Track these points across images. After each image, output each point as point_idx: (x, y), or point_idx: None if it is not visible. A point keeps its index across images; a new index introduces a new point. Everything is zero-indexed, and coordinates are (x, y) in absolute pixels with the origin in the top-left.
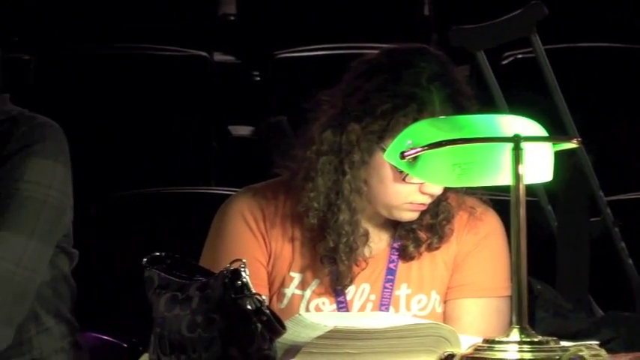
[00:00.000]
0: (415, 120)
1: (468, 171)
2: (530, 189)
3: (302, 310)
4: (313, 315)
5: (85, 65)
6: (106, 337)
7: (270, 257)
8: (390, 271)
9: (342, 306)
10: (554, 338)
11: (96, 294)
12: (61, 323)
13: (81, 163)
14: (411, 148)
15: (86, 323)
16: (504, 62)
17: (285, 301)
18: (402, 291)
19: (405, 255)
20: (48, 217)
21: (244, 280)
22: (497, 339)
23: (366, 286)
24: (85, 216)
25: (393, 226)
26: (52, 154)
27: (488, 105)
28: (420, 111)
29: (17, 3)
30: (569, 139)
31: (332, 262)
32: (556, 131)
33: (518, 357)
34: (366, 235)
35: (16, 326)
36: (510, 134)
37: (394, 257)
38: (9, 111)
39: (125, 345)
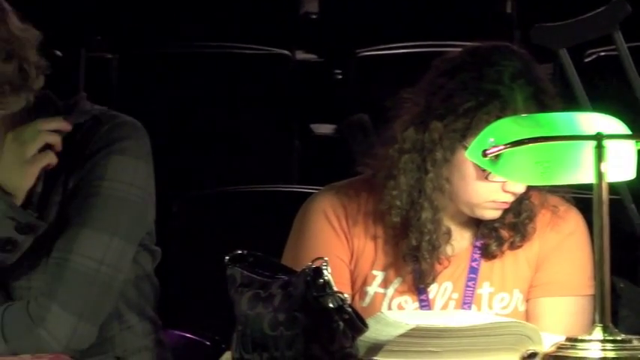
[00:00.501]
0: (498, 118)
1: (550, 169)
2: (613, 187)
3: (384, 309)
4: (395, 313)
5: (167, 64)
6: (189, 336)
7: (352, 255)
8: (473, 270)
9: (425, 304)
10: (638, 337)
11: (179, 292)
12: (144, 321)
13: (163, 162)
14: (494, 146)
15: (169, 321)
16: (587, 60)
17: (368, 300)
18: (484, 289)
19: (487, 253)
20: (130, 215)
21: (326, 278)
22: (580, 337)
23: (448, 285)
24: (167, 214)
25: (476, 224)
26: (134, 152)
27: (570, 103)
28: (503, 109)
29: (99, 3)
30: None
31: (414, 261)
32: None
33: (602, 355)
34: (449, 233)
35: (100, 324)
36: (593, 132)
37: (476, 256)
38: (90, 110)
39: (208, 343)
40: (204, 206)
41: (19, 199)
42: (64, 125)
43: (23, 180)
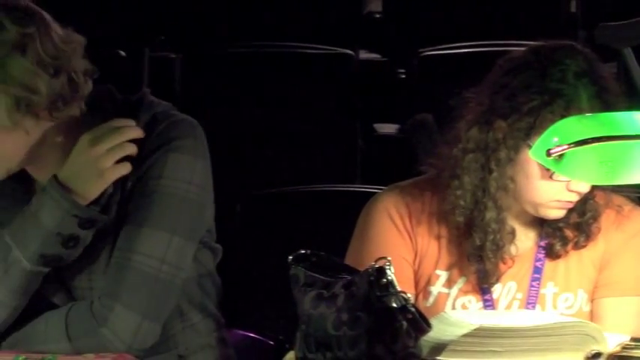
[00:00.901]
0: (562, 117)
1: (615, 169)
2: None
3: (448, 308)
4: (458, 313)
5: (231, 63)
6: (252, 335)
7: (416, 255)
8: (537, 270)
9: (489, 304)
10: None
11: (243, 292)
12: (206, 319)
13: (226, 161)
14: (558, 146)
15: (233, 321)
16: None
17: (431, 299)
18: (548, 289)
19: (551, 253)
20: (189, 213)
21: (389, 278)
22: None
23: (512, 285)
24: (231, 214)
25: (540, 224)
26: (191, 150)
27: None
28: (567, 108)
29: (163, 3)
30: None
31: (478, 260)
32: None
33: None
34: (513, 233)
35: (163, 323)
36: None
37: (540, 255)
38: (153, 108)
39: (272, 342)
40: (268, 206)
41: (87, 201)
42: (139, 133)
43: (96, 188)
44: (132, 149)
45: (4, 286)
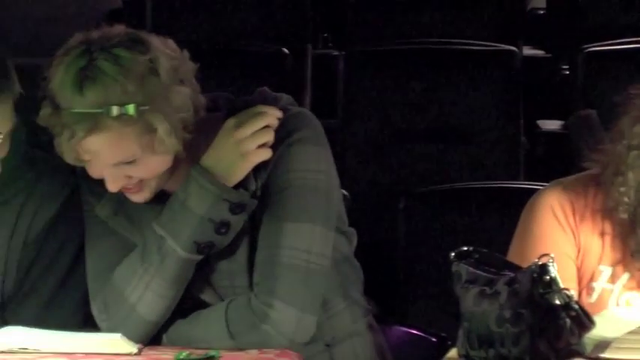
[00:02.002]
0: None
1: None
2: None
3: (612, 305)
4: (622, 310)
5: (393, 60)
6: (415, 332)
7: (579, 251)
8: None
9: None
10: None
11: (405, 288)
12: (352, 306)
13: (390, 158)
14: None
15: (396, 317)
16: None
17: (595, 296)
18: None
19: None
20: (323, 202)
21: (552, 275)
22: None
23: None
24: (394, 211)
25: None
26: (312, 139)
27: None
28: None
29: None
30: None
31: None
32: None
33: None
34: None
35: (318, 313)
36: None
37: None
38: (274, 105)
39: (434, 339)
40: (431, 203)
41: (231, 185)
42: (279, 114)
43: (239, 171)
44: (271, 136)
45: (161, 276)
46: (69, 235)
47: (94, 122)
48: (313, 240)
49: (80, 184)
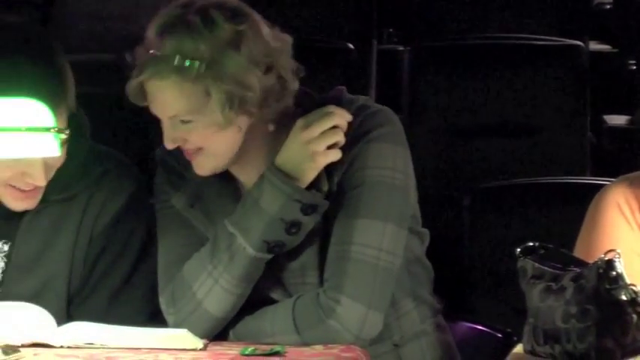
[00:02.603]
0: None
1: None
2: None
3: None
4: None
5: (458, 56)
6: (480, 327)
7: None
8: None
9: None
10: None
11: (471, 284)
12: (420, 306)
13: (455, 153)
14: None
15: (461, 313)
16: None
17: None
18: None
19: None
20: (397, 200)
21: (619, 270)
22: None
23: None
24: (459, 206)
25: None
26: (390, 138)
27: None
28: None
29: None
30: None
31: None
32: None
33: None
34: None
35: (386, 311)
36: None
37: None
38: (353, 103)
39: (500, 335)
40: (496, 198)
41: (303, 185)
42: (349, 117)
43: (309, 172)
44: (341, 137)
45: (230, 273)
46: (134, 230)
47: (158, 67)
48: (384, 237)
49: (158, 173)
